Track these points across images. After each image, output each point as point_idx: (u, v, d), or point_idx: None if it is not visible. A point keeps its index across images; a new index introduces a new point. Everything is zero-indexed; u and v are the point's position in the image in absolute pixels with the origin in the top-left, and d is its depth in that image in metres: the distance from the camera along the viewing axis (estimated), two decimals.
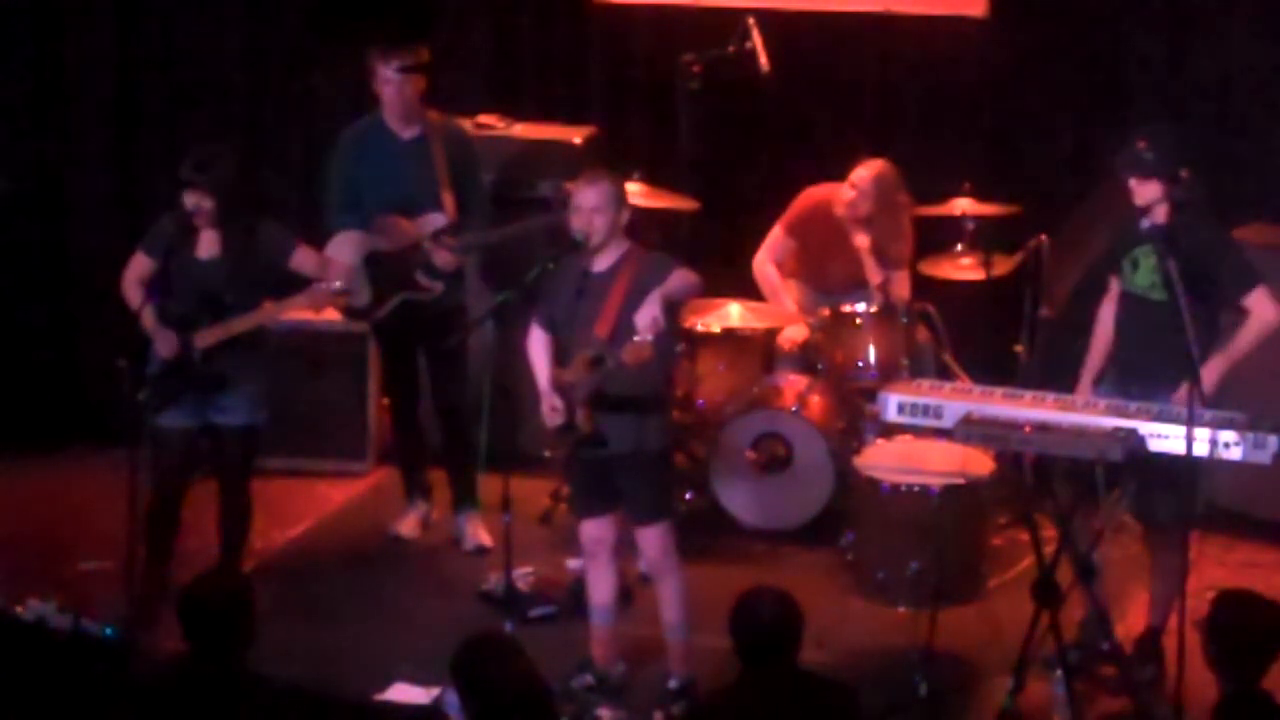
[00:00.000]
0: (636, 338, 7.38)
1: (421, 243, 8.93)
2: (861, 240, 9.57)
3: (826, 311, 9.53)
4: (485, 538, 9.19)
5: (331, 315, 9.33)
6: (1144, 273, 7.85)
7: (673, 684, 7.85)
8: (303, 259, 8.41)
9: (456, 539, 9.32)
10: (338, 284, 8.39)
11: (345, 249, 8.98)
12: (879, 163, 9.56)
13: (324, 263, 8.48)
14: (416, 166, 9.00)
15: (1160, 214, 7.80)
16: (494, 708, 5.92)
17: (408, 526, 9.36)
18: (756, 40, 9.62)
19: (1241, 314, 7.85)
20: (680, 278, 7.59)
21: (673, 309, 7.61)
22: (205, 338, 8.22)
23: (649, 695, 7.89)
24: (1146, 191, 7.80)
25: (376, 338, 9.43)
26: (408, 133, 9.05)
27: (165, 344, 8.21)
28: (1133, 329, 7.94)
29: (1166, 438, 7.40)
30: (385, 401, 9.85)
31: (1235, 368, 7.79)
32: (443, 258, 8.90)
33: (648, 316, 7.41)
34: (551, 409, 7.71)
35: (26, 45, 10.49)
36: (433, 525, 9.41)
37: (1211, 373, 7.68)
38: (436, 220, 8.95)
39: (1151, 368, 7.74)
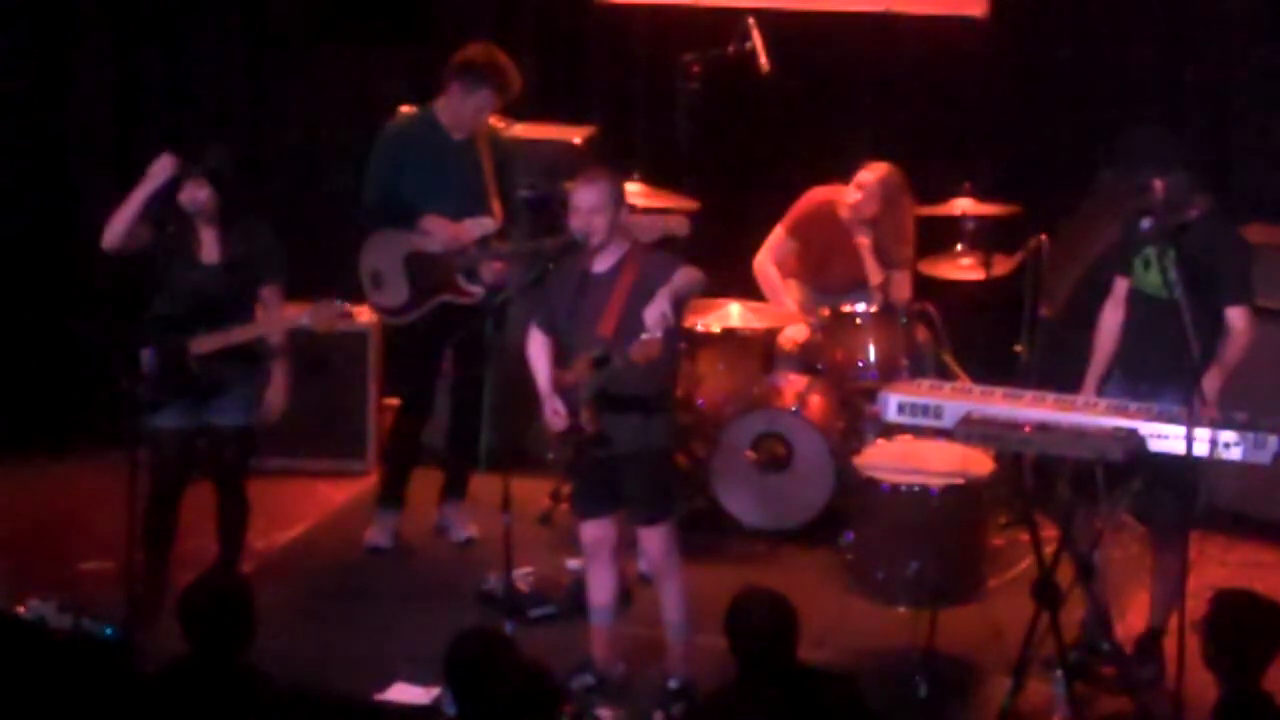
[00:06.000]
0: (645, 335, 7.36)
1: (468, 247, 8.92)
2: (864, 239, 9.57)
3: (826, 311, 9.54)
4: (473, 528, 9.23)
5: None
6: (1156, 272, 7.84)
7: (673, 684, 7.85)
8: (268, 295, 8.34)
9: (443, 529, 9.35)
10: (306, 321, 8.33)
11: (385, 248, 8.97)
12: (884, 165, 9.57)
13: (276, 313, 8.33)
14: (465, 169, 8.97)
15: (1157, 202, 7.81)
16: (489, 704, 5.93)
17: (383, 536, 9.31)
18: (756, 40, 9.62)
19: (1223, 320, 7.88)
20: (685, 275, 7.58)
21: (678, 306, 7.60)
22: (203, 344, 8.20)
23: (649, 695, 7.89)
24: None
25: (403, 337, 9.29)
26: (459, 134, 9.02)
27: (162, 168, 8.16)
28: (1143, 328, 7.94)
29: (1167, 438, 7.40)
30: (391, 401, 9.83)
31: (1230, 378, 7.81)
32: (491, 269, 8.88)
33: (657, 312, 7.40)
34: (554, 413, 7.71)
35: (26, 45, 10.49)
36: (399, 536, 9.36)
37: (1212, 383, 7.68)
38: (486, 224, 8.93)
39: (1161, 367, 7.74)
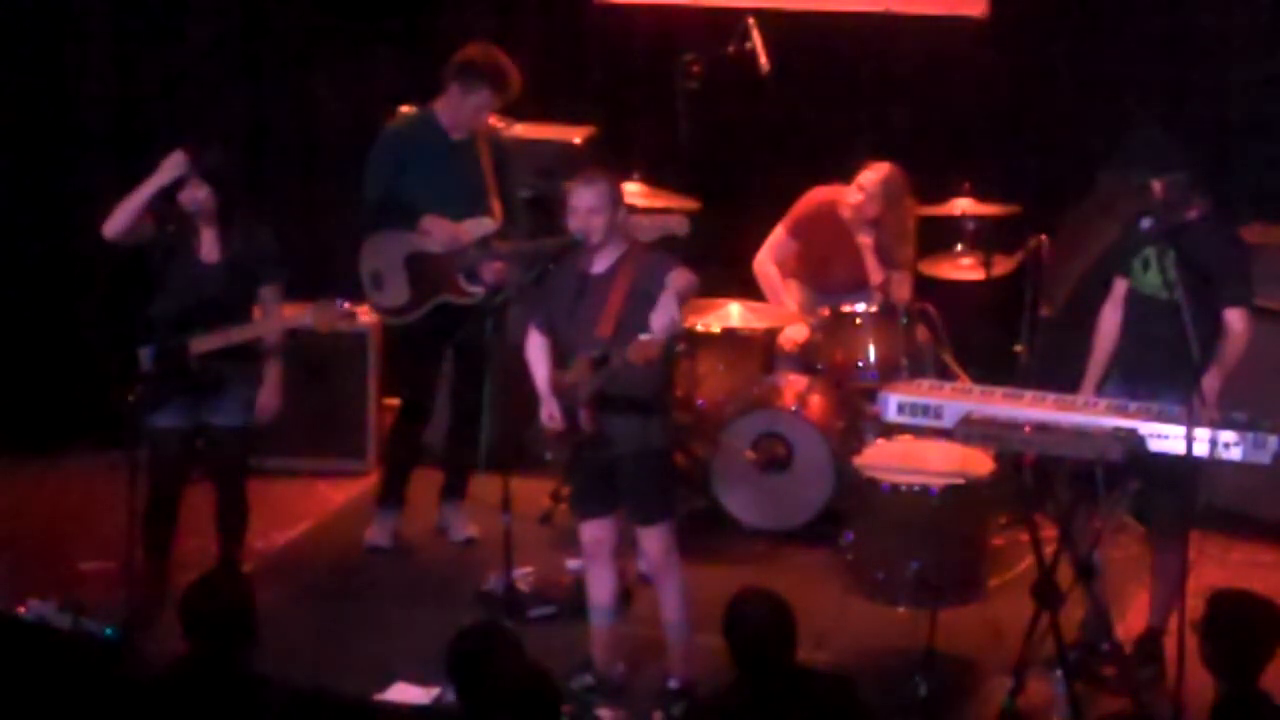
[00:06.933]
0: (645, 336, 7.36)
1: (468, 247, 8.92)
2: (865, 239, 9.57)
3: (826, 311, 9.54)
4: (473, 528, 9.24)
5: None
6: (1155, 272, 7.84)
7: (673, 684, 7.85)
8: (268, 295, 8.37)
9: (443, 529, 9.36)
10: (308, 321, 8.37)
11: (385, 248, 8.98)
12: (886, 166, 9.57)
13: (275, 313, 8.39)
14: (464, 169, 8.98)
15: (1157, 202, 7.82)
16: (491, 700, 5.93)
17: (384, 536, 9.31)
18: (756, 40, 9.63)
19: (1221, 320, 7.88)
20: (681, 276, 7.58)
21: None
22: (203, 344, 8.20)
23: (649, 695, 7.89)
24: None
25: (403, 337, 9.30)
26: (458, 134, 9.03)
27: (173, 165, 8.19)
28: (1142, 328, 7.94)
29: (1166, 438, 7.40)
30: (391, 401, 9.82)
31: (1229, 378, 7.82)
32: (491, 269, 8.88)
33: (666, 318, 7.41)
34: (550, 416, 7.71)
35: (26, 47, 10.49)
36: (400, 536, 9.36)
37: (1211, 383, 7.68)
38: (485, 225, 8.93)
39: (1160, 367, 7.74)
